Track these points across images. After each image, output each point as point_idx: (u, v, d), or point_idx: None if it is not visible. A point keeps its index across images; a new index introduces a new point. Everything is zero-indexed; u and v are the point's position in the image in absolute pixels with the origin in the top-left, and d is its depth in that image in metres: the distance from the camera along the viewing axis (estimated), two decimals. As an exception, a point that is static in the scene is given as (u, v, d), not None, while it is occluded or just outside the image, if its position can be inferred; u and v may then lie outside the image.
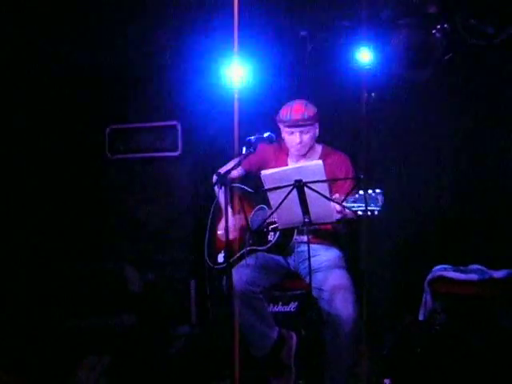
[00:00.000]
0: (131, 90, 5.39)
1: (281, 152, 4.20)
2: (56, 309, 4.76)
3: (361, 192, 3.39)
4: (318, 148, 4.17)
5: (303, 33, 4.95)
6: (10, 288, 4.85)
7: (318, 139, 4.15)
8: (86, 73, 5.28)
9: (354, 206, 3.40)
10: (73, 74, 5.26)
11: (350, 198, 3.43)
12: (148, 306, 4.95)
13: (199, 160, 5.31)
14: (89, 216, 5.34)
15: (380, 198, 3.35)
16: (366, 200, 3.36)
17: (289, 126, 4.00)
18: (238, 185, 4.23)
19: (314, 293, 3.76)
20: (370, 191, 3.38)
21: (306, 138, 4.01)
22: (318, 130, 4.08)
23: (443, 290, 4.23)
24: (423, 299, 4.34)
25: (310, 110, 4.00)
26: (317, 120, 4.04)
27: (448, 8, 4.67)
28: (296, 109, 4.00)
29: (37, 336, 4.60)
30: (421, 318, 4.35)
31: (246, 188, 4.25)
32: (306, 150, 4.06)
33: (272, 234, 3.99)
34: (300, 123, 3.97)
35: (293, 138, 4.02)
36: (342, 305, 3.72)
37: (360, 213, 3.39)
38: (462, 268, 4.33)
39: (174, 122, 5.34)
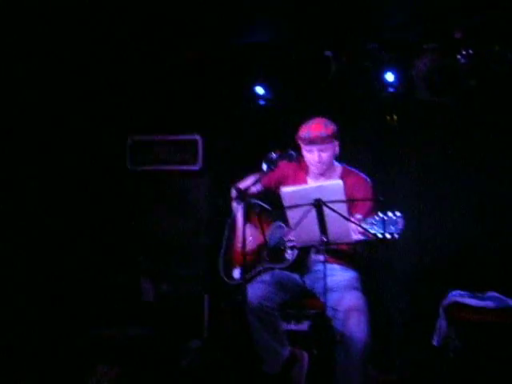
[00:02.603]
0: (154, 103, 5.42)
1: (300, 170, 4.18)
2: (70, 317, 4.78)
3: (380, 214, 3.37)
4: (338, 168, 4.14)
5: (328, 53, 4.96)
6: (26, 297, 4.89)
7: (339, 159, 4.15)
8: (110, 84, 5.33)
9: (372, 228, 3.38)
10: (96, 84, 5.31)
11: (369, 219, 3.43)
12: (161, 318, 4.95)
13: (219, 174, 5.32)
14: (106, 227, 5.36)
15: (400, 221, 3.32)
16: (384, 224, 3.33)
17: (307, 144, 4.00)
18: (256, 201, 4.21)
19: (329, 312, 3.72)
20: (389, 213, 3.36)
21: (325, 156, 3.99)
22: (337, 148, 4.05)
23: (459, 316, 4.19)
24: (437, 324, 4.30)
25: (329, 129, 3.98)
26: (336, 138, 4.01)
27: (473, 34, 4.67)
28: (314, 127, 3.98)
29: (51, 343, 4.63)
30: (435, 343, 4.30)
31: (263, 205, 4.24)
32: (325, 168, 4.04)
33: (289, 251, 3.97)
34: (318, 141, 3.95)
35: (312, 156, 4.01)
36: (356, 326, 3.68)
37: (380, 235, 3.36)
38: (478, 295, 4.30)
39: (196, 136, 5.36)
